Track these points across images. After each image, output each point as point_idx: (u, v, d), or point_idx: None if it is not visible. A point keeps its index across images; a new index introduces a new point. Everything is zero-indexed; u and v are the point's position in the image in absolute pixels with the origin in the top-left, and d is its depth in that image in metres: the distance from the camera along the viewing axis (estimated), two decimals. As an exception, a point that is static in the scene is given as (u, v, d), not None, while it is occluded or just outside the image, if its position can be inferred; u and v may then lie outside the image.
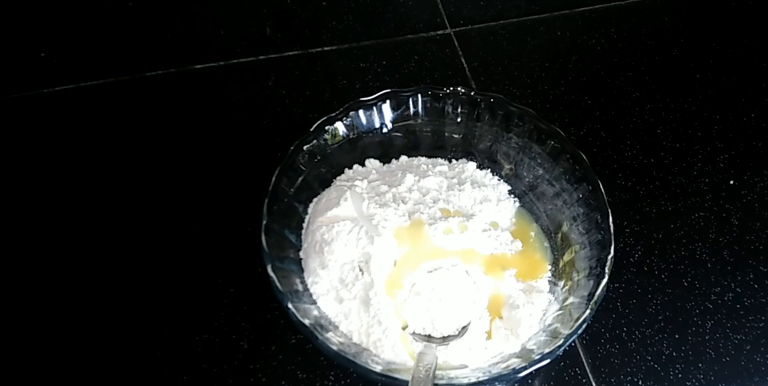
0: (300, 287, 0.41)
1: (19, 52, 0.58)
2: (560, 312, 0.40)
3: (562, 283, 0.42)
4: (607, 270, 0.39)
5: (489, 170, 0.48)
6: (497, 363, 0.38)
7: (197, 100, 0.55)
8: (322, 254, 0.42)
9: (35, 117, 0.54)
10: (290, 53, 0.58)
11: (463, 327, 0.41)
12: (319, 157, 0.44)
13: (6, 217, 0.47)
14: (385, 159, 0.48)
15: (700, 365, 0.44)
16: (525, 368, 0.35)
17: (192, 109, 0.54)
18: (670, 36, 0.62)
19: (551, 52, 0.60)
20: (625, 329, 0.46)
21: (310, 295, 0.41)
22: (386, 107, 0.45)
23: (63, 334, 0.43)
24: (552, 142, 0.44)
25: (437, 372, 0.37)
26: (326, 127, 0.43)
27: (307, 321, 0.37)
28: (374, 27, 0.60)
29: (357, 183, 0.45)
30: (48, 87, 0.55)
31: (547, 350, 0.36)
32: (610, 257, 0.39)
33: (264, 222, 0.39)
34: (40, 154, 0.52)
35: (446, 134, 0.48)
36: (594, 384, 0.44)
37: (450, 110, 0.46)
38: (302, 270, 0.42)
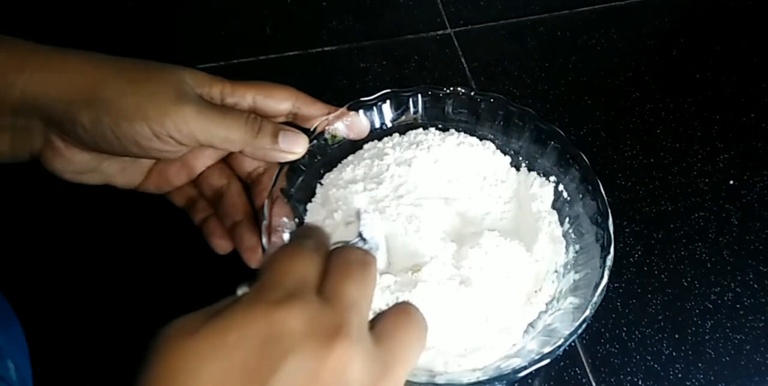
0: (300, 287, 0.41)
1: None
2: (560, 312, 0.40)
3: (562, 283, 0.42)
4: (607, 271, 0.39)
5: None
6: (497, 362, 0.38)
7: (197, 100, 0.55)
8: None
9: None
10: (290, 53, 0.58)
11: None
12: (319, 157, 0.44)
13: (5, 213, 0.47)
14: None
15: (700, 365, 0.44)
16: (525, 368, 0.35)
17: (192, 109, 0.54)
18: (670, 36, 0.62)
19: (551, 52, 0.60)
20: (625, 329, 0.46)
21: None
22: (386, 107, 0.45)
23: (62, 334, 0.43)
24: (552, 142, 0.44)
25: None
26: (326, 127, 0.43)
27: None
28: (374, 27, 0.60)
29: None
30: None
31: (547, 350, 0.36)
32: (610, 257, 0.39)
33: (264, 222, 0.39)
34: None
35: (446, 134, 0.48)
36: (594, 384, 0.44)
37: (450, 110, 0.46)
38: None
